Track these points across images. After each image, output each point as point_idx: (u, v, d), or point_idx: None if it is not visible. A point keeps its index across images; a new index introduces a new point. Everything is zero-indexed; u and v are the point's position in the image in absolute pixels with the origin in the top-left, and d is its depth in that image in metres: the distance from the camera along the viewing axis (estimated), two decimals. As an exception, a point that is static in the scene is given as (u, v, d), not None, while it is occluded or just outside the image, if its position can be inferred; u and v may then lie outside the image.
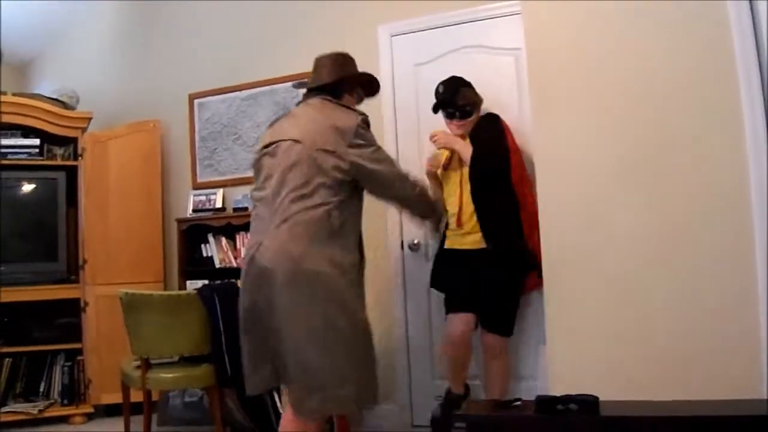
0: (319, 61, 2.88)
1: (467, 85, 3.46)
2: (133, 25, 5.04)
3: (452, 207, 3.40)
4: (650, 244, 2.55)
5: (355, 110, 2.72)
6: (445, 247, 3.47)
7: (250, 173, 4.41)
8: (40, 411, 4.17)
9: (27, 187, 4.45)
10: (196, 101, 4.67)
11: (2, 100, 4.33)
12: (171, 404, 4.12)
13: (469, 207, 3.33)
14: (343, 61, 2.88)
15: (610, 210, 2.63)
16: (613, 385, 2.43)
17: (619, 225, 2.61)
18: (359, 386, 2.50)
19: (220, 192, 4.49)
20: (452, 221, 3.39)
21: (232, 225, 4.29)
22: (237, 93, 4.51)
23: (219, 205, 4.45)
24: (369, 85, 2.97)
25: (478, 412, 2.12)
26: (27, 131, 4.43)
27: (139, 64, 4.97)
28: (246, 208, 4.30)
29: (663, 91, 2.55)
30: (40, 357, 4.37)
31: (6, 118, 4.32)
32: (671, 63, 2.54)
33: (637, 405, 2.08)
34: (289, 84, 4.28)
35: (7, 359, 4.30)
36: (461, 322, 3.30)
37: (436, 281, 3.54)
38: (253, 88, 4.46)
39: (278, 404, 3.75)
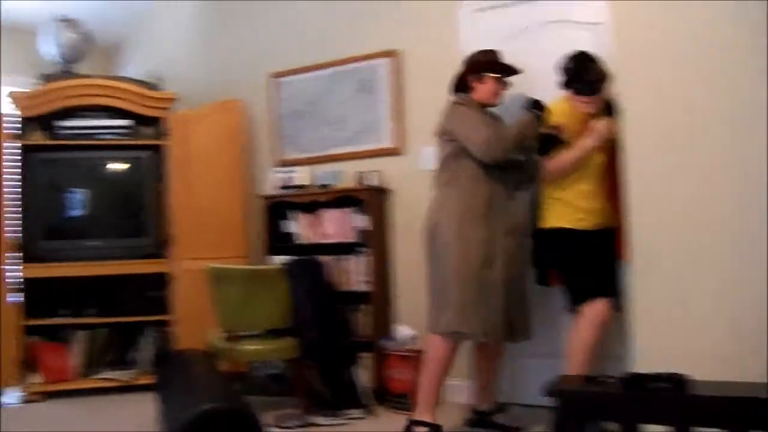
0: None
1: (593, 60, 3.28)
2: (215, 6, 5.14)
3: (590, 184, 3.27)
4: (741, 231, 2.53)
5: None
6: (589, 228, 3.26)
7: (333, 151, 4.49)
8: (132, 378, 4.40)
9: (117, 166, 4.64)
10: (278, 80, 4.72)
11: (92, 83, 4.54)
12: (256, 375, 4.25)
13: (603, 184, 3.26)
14: (467, 62, 3.37)
15: (704, 200, 2.62)
16: (700, 365, 2.40)
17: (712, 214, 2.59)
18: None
19: (303, 169, 4.51)
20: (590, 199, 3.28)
21: (316, 202, 4.31)
22: (319, 71, 4.53)
23: (302, 182, 4.48)
24: (500, 67, 3.31)
25: (571, 387, 2.11)
26: (115, 112, 4.59)
27: (221, 44, 5.06)
28: (328, 185, 4.34)
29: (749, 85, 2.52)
30: (131, 328, 4.58)
31: (96, 100, 4.52)
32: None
33: (725, 385, 2.05)
34: (370, 62, 4.29)
35: (101, 329, 4.54)
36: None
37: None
38: (334, 66, 4.46)
39: (354, 377, 3.81)
